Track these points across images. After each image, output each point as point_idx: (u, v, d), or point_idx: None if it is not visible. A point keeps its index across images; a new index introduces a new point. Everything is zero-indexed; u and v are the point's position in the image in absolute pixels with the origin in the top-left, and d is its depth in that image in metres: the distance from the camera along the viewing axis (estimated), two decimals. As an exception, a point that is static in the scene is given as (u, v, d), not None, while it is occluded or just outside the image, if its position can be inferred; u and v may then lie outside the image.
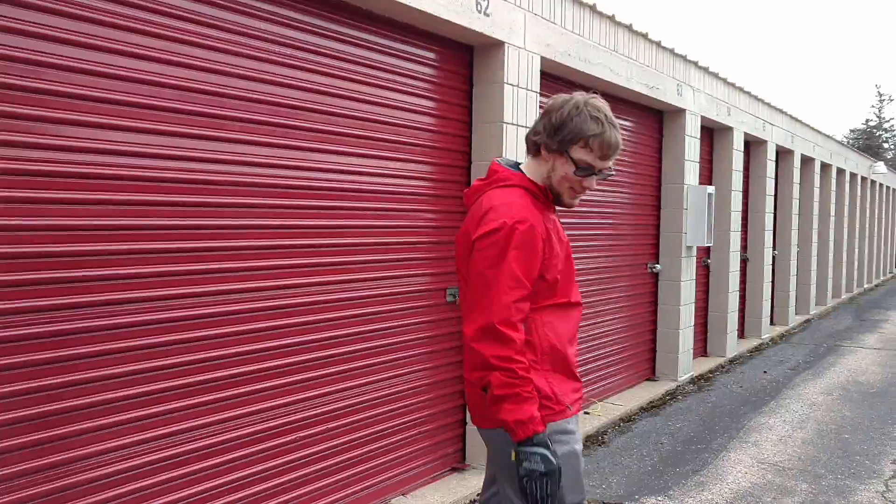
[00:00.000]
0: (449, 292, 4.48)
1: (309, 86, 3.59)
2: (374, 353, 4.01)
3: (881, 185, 19.24)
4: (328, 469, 3.76)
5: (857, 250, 16.38)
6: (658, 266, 7.18)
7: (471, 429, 4.62)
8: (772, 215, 10.28)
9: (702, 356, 8.52)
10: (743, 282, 9.84)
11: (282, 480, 3.52)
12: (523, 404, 2.02)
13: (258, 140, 3.35)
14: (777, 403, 6.68)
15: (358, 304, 3.89)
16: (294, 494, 3.58)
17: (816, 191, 12.47)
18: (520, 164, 2.34)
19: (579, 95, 2.22)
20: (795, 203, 11.28)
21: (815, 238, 12.49)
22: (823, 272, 13.51)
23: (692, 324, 7.57)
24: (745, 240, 9.78)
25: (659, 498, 4.36)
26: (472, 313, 2.09)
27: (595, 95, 2.24)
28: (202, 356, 3.15)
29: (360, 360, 3.92)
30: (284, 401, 3.52)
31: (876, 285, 18.63)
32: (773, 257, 10.75)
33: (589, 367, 6.19)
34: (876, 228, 19.00)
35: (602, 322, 6.39)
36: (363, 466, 3.97)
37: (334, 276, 3.75)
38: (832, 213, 13.65)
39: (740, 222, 9.00)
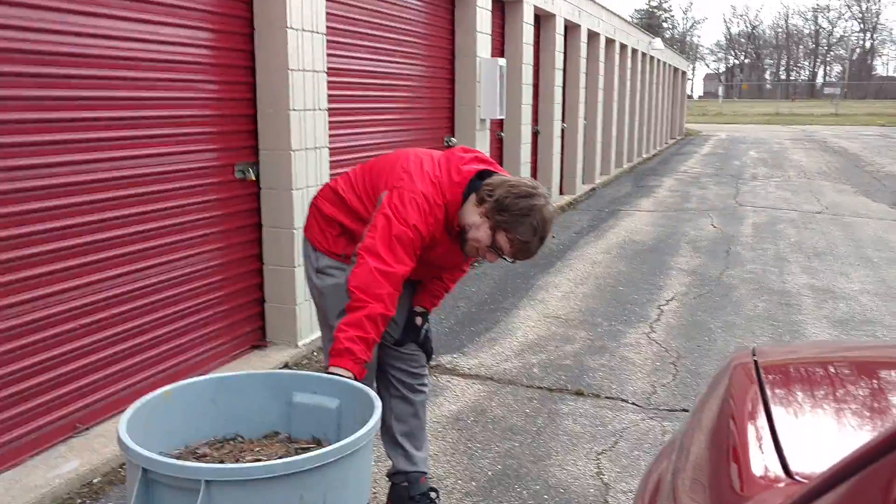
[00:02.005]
0: (237, 168, 4.30)
1: (54, -64, 3.16)
2: (160, 234, 3.81)
3: (659, 60, 20.61)
4: (118, 354, 3.59)
5: (637, 122, 17.64)
6: (454, 139, 7.32)
7: (269, 307, 4.58)
8: (561, 89, 10.74)
9: (497, 225, 8.92)
10: (534, 153, 10.31)
11: (68, 369, 3.32)
12: (368, 347, 2.21)
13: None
14: (563, 264, 7.20)
15: (136, 183, 3.63)
16: (82, 382, 3.40)
17: (602, 65, 13.14)
18: (485, 177, 2.44)
19: (543, 199, 2.35)
20: (583, 77, 11.84)
21: (600, 111, 13.26)
22: (608, 143, 14.45)
23: (487, 194, 7.85)
24: (536, 113, 10.17)
25: (454, 355, 4.61)
26: (383, 249, 2.29)
27: (552, 205, 2.41)
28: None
29: (145, 241, 3.71)
30: (66, 286, 3.27)
31: (653, 154, 20.28)
32: (563, 130, 11.31)
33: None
34: (654, 101, 20.49)
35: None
36: (156, 350, 3.84)
37: (106, 152, 3.46)
38: (616, 86, 14.48)
39: (532, 95, 9.32)
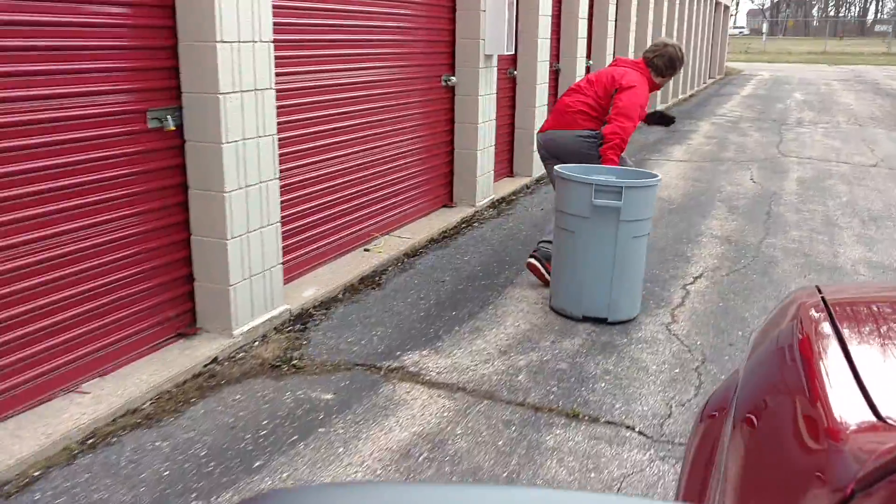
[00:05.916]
0: (151, 116, 3.40)
1: None
2: (55, 197, 2.97)
3: (700, -7, 19.06)
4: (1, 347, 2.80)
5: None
6: (454, 79, 6.33)
7: (199, 286, 3.74)
8: (586, 21, 9.58)
9: (507, 177, 7.98)
10: (553, 95, 9.24)
11: None
12: (618, 161, 4.57)
13: None
14: (576, 226, 6.25)
15: (24, 132, 2.77)
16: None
17: (635, -4, 11.87)
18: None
19: (672, 48, 4.80)
20: (612, 9, 10.63)
21: (631, 46, 12.05)
22: (639, 83, 13.23)
23: (493, 143, 6.89)
24: (556, 48, 9.07)
25: (424, 352, 3.73)
26: (622, 118, 4.53)
27: (676, 45, 4.87)
28: None
29: (37, 205, 2.87)
30: None
31: (690, 95, 18.93)
32: (587, 68, 10.17)
33: (375, 196, 5.40)
34: (692, 37, 19.04)
35: (391, 144, 5.55)
36: (52, 340, 3.04)
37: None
38: (650, 20, 13.21)
39: (551, 28, 8.21)
